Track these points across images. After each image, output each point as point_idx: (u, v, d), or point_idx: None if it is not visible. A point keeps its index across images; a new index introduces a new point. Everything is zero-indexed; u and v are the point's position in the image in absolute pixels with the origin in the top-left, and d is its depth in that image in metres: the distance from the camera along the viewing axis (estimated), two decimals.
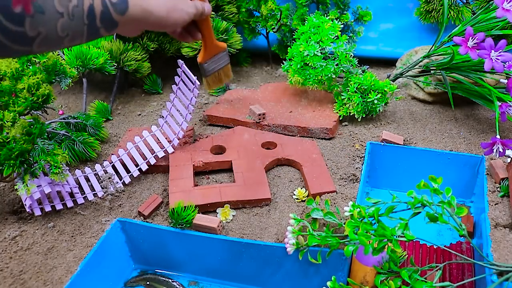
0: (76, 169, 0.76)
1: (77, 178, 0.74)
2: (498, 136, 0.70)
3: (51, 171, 0.66)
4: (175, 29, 0.65)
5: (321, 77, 0.87)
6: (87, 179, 0.75)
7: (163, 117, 0.81)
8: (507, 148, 0.68)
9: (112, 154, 0.78)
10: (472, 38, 0.72)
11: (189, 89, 0.76)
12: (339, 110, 0.88)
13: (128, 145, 0.78)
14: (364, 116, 0.87)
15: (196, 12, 0.65)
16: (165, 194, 0.72)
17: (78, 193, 0.72)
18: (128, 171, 0.76)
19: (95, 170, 0.76)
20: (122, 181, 0.75)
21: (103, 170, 0.76)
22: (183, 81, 0.78)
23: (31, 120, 0.68)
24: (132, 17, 0.58)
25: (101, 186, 0.74)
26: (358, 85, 0.86)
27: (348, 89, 0.87)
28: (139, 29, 0.61)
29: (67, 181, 0.71)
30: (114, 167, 0.77)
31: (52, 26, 0.50)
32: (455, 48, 0.79)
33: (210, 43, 0.67)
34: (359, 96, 0.85)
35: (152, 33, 1.03)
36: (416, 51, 1.02)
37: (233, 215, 0.68)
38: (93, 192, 0.73)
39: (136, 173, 0.75)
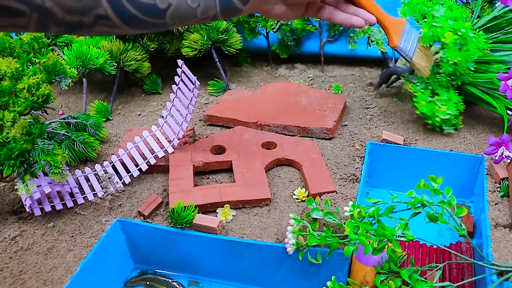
0: (76, 169, 0.76)
1: (77, 178, 0.74)
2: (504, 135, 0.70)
3: (51, 171, 0.66)
4: None
5: None
6: (87, 179, 0.75)
7: (163, 117, 0.81)
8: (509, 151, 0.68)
9: (112, 154, 0.78)
10: None
11: (189, 89, 0.76)
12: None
13: (128, 145, 0.77)
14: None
15: None
16: (165, 194, 0.72)
17: (78, 193, 0.72)
18: (128, 171, 0.76)
19: (95, 170, 0.76)
20: (122, 181, 0.74)
21: (103, 170, 0.76)
22: (183, 81, 0.78)
23: (31, 120, 0.68)
24: None
25: (101, 186, 0.74)
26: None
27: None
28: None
29: (67, 181, 0.71)
30: (114, 167, 0.77)
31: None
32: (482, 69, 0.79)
33: (385, 18, 0.60)
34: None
35: (152, 33, 1.03)
36: None
37: (233, 215, 0.68)
38: (93, 192, 0.73)
39: (136, 173, 0.75)
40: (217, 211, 0.68)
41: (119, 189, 0.73)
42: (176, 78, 0.78)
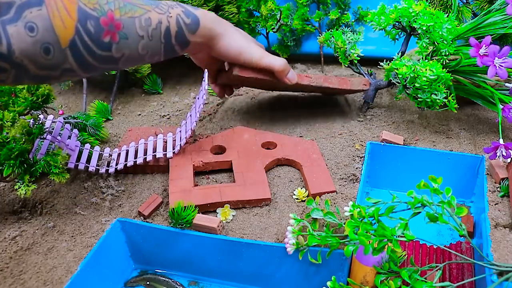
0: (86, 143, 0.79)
1: (83, 148, 0.78)
2: (501, 140, 0.70)
3: (51, 171, 0.66)
4: (234, 60, 0.72)
5: None
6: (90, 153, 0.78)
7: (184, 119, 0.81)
8: (510, 149, 0.68)
9: (123, 145, 0.81)
10: (485, 47, 0.71)
11: (200, 97, 0.77)
12: None
13: (140, 141, 0.80)
14: None
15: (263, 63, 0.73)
16: (165, 194, 0.72)
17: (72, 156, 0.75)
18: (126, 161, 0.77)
19: (102, 151, 0.79)
20: (116, 167, 0.75)
21: (109, 154, 0.78)
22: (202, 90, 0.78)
23: (31, 120, 0.68)
24: (201, 35, 0.66)
25: (97, 164, 0.76)
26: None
27: None
28: (208, 52, 0.71)
29: (69, 138, 0.76)
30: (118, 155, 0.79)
31: (134, 47, 0.59)
32: (465, 51, 0.78)
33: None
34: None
35: None
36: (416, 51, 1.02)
37: (233, 215, 0.68)
38: (86, 164, 0.75)
39: (130, 163, 0.76)
40: (217, 211, 0.68)
41: (116, 188, 0.73)
42: (203, 83, 0.78)
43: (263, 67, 0.73)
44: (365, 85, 0.82)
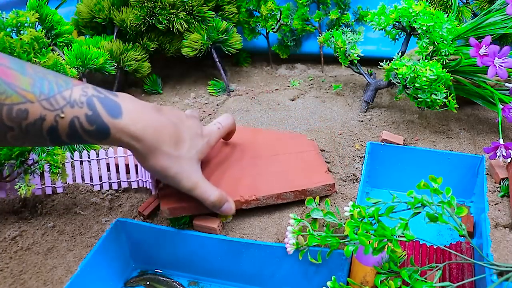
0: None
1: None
2: (501, 140, 0.70)
3: (51, 170, 0.66)
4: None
5: None
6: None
7: None
8: (510, 149, 0.68)
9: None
10: (485, 47, 0.71)
11: None
12: None
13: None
14: None
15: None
16: None
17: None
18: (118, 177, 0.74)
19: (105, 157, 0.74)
20: (113, 183, 0.73)
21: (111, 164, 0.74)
22: None
23: None
24: (114, 143, 0.54)
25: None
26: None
27: None
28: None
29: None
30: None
31: (2, 135, 0.49)
32: (465, 51, 0.78)
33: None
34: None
35: (152, 33, 1.03)
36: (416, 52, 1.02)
37: (233, 215, 0.67)
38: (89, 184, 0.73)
39: (115, 186, 0.73)
40: None
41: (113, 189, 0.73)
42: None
43: (196, 197, 0.60)
44: (329, 190, 0.68)
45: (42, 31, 0.85)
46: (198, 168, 0.60)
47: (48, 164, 0.66)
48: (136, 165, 0.73)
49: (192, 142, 0.59)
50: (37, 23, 0.89)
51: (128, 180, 0.73)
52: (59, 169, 0.66)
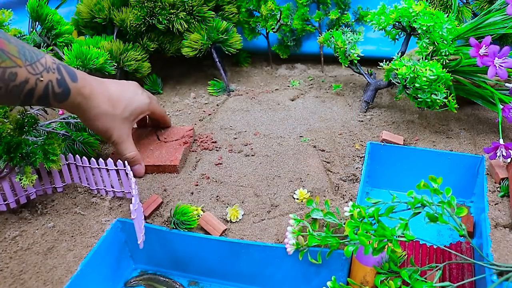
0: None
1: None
2: (501, 140, 0.70)
3: (49, 158, 0.66)
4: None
5: None
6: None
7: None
8: (510, 149, 0.68)
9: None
10: (485, 47, 0.71)
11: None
12: None
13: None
14: None
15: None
16: (165, 195, 0.72)
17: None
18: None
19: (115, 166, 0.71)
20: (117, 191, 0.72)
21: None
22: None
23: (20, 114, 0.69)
24: (68, 107, 0.64)
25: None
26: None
27: None
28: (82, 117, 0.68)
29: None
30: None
31: None
32: (465, 51, 0.78)
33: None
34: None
35: (152, 33, 1.03)
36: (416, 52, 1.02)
37: (242, 215, 0.67)
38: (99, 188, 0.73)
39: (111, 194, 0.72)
40: (226, 210, 0.67)
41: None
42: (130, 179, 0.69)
43: (116, 151, 0.74)
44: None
45: (42, 30, 0.85)
46: (128, 127, 0.73)
47: (44, 153, 0.67)
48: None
49: (129, 104, 0.73)
50: (37, 23, 0.89)
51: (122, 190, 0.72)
52: (57, 157, 0.67)
